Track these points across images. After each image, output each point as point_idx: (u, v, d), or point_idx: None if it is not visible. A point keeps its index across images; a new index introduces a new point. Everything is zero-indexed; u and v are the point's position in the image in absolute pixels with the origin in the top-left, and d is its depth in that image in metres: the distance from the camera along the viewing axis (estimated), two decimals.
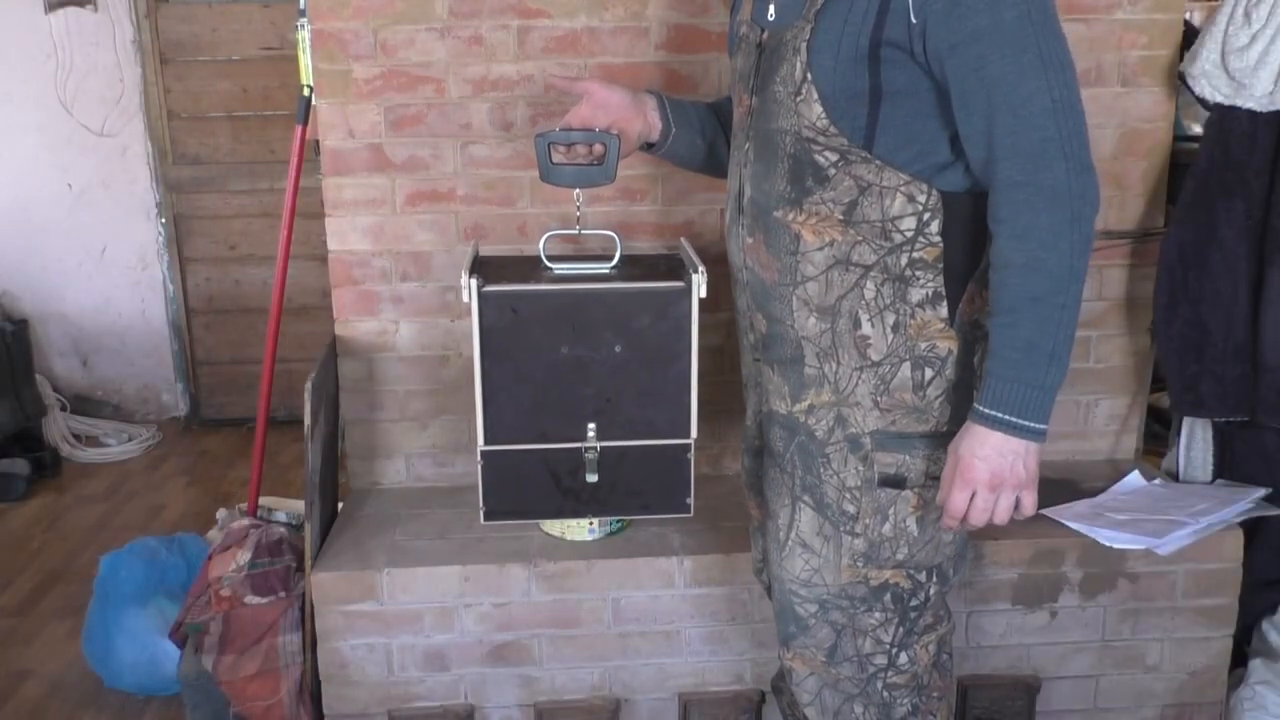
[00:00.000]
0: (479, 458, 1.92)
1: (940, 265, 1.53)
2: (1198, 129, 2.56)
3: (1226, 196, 2.28)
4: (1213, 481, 2.45)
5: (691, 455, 1.94)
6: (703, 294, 1.83)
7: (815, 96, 1.49)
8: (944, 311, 1.54)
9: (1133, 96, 2.42)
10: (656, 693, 2.28)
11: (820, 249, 1.55)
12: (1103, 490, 2.43)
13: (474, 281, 1.79)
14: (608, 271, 1.86)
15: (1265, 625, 2.37)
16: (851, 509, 1.62)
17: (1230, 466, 2.43)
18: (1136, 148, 2.45)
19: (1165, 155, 2.46)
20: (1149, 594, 2.28)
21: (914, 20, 1.42)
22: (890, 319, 1.55)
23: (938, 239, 1.52)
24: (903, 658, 1.69)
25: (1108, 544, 2.22)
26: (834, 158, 1.51)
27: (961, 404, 1.57)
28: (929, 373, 1.56)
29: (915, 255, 1.53)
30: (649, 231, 2.43)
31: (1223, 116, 2.28)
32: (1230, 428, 2.39)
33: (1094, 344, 2.55)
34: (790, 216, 1.56)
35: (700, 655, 2.26)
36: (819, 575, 1.67)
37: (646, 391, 1.86)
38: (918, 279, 1.54)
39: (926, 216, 1.51)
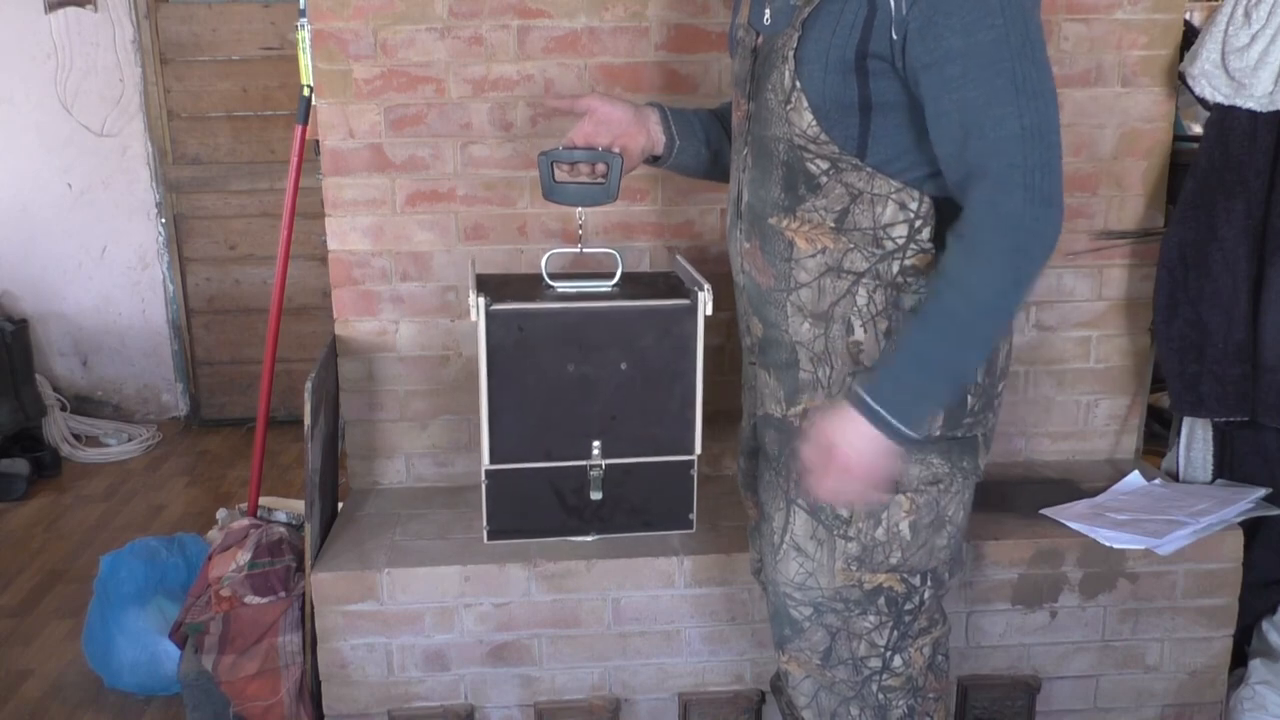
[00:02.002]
0: (484, 477, 1.91)
1: (932, 272, 1.52)
2: (1198, 129, 2.56)
3: (1226, 196, 2.28)
4: (1213, 481, 2.45)
5: (695, 472, 1.94)
6: (708, 311, 1.83)
7: (805, 105, 1.49)
8: None
9: (1133, 96, 2.42)
10: (656, 693, 2.28)
11: (813, 256, 1.55)
12: (1103, 490, 2.43)
13: (482, 300, 1.78)
14: (610, 289, 1.86)
15: (1265, 625, 2.37)
16: (845, 513, 1.61)
17: (1230, 466, 2.44)
18: (1136, 148, 2.45)
19: (1165, 155, 2.46)
20: (1149, 594, 2.28)
21: (894, 36, 1.40)
22: (884, 325, 1.55)
23: (930, 246, 1.52)
24: (897, 660, 1.69)
25: (1108, 544, 2.22)
26: (825, 165, 1.51)
27: (954, 408, 1.57)
28: None
29: (907, 262, 1.53)
30: (649, 232, 2.43)
31: (1223, 116, 2.28)
32: (1230, 428, 2.39)
33: (1094, 344, 2.55)
34: (784, 223, 1.56)
35: (700, 655, 2.26)
36: (813, 578, 1.67)
37: (651, 408, 1.86)
38: (910, 285, 1.54)
39: (919, 224, 1.51)
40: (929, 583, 1.67)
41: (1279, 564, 2.39)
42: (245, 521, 2.54)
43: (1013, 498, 2.41)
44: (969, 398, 1.58)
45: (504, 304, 1.79)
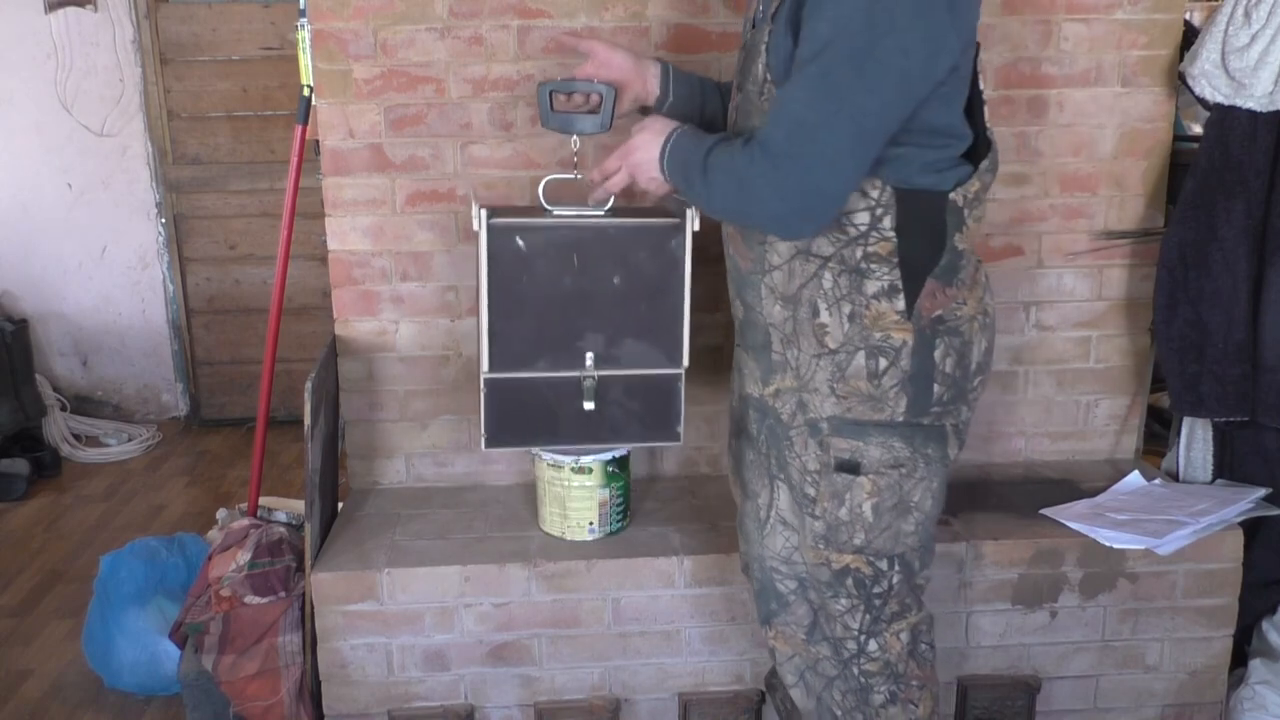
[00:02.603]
0: (482, 385, 1.98)
1: (895, 259, 1.58)
2: (1198, 129, 2.56)
3: (1226, 196, 2.28)
4: (1213, 481, 2.45)
5: (682, 384, 2.03)
6: (695, 228, 1.93)
7: (775, 95, 1.57)
8: (900, 304, 1.59)
9: (1133, 96, 2.42)
10: (656, 693, 2.28)
11: (785, 240, 1.64)
12: (1103, 490, 2.43)
13: (483, 212, 1.88)
14: (604, 214, 1.95)
15: (1265, 625, 2.37)
16: (811, 492, 1.69)
17: (1230, 466, 2.44)
18: (1136, 148, 2.45)
19: (1165, 155, 2.46)
20: (1149, 594, 2.28)
21: (802, 15, 1.49)
22: (847, 309, 1.61)
23: (891, 234, 1.58)
24: (872, 645, 1.74)
25: (1108, 544, 2.22)
26: None
27: (918, 395, 1.61)
28: (883, 362, 1.61)
29: (870, 249, 1.59)
30: None
31: (1223, 116, 2.28)
32: (1230, 428, 2.39)
33: (1094, 344, 2.55)
34: None
35: (700, 655, 2.26)
36: (798, 553, 1.75)
37: (642, 322, 1.96)
38: (873, 271, 1.59)
39: (879, 212, 1.57)
40: (896, 568, 1.71)
41: (1279, 564, 2.39)
42: (245, 521, 2.54)
43: (1013, 498, 2.41)
44: (936, 386, 1.63)
45: (504, 218, 1.89)
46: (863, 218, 1.57)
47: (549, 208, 1.94)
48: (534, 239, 1.91)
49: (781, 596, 1.79)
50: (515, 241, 1.90)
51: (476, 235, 1.89)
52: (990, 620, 2.28)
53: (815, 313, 1.63)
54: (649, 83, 1.87)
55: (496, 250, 1.90)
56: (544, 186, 1.95)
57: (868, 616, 1.73)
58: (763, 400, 1.75)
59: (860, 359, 1.61)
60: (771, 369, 1.72)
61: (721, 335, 2.42)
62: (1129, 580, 2.27)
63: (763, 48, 1.58)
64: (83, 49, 4.32)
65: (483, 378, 1.99)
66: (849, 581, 1.71)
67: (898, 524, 1.67)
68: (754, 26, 1.67)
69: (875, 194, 1.56)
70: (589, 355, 1.97)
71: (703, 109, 1.90)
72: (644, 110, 1.90)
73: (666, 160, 1.68)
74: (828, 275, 1.61)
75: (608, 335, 1.97)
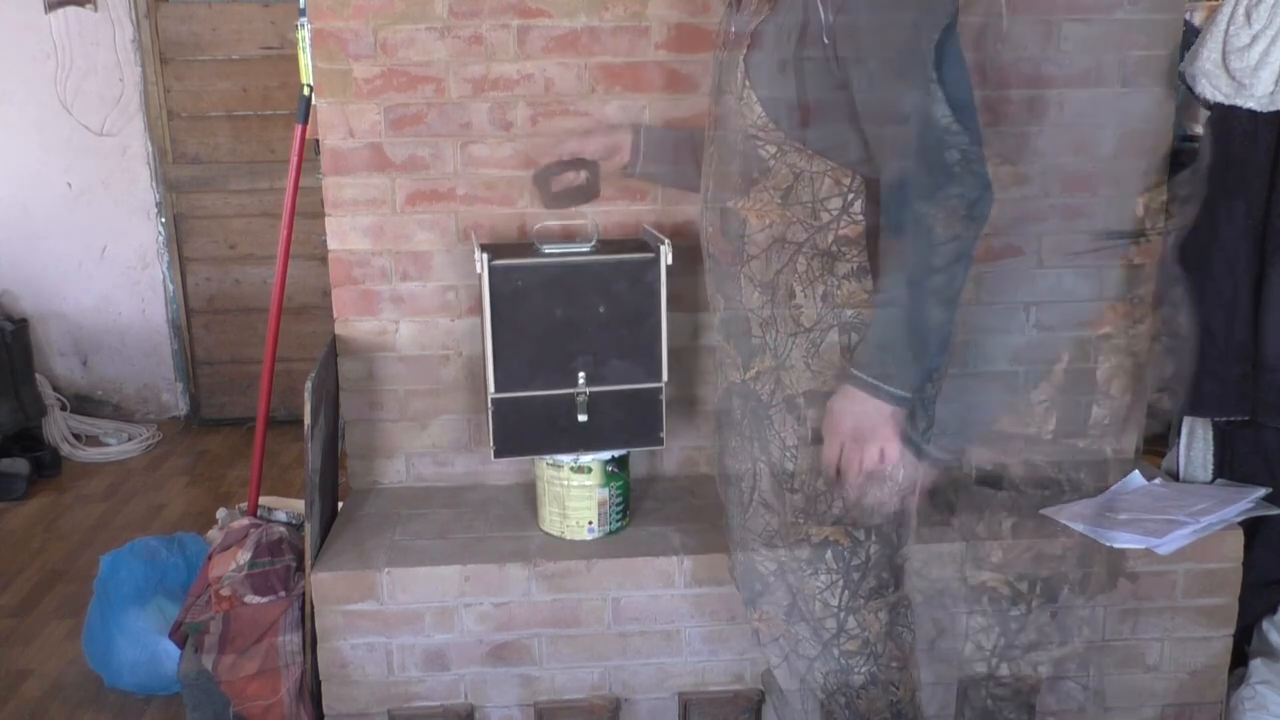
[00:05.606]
0: (490, 405, 2.18)
1: (863, 242, 1.69)
2: (1198, 129, 2.56)
3: (1226, 196, 2.28)
4: (1213, 481, 2.45)
5: (663, 396, 2.22)
6: (669, 261, 2.13)
7: (754, 100, 1.69)
8: (868, 284, 1.70)
9: (1133, 96, 2.42)
10: (656, 693, 2.28)
11: (762, 230, 1.74)
12: (1103, 490, 2.42)
13: (485, 256, 2.09)
14: (589, 250, 2.17)
15: (1265, 625, 2.37)
16: (790, 466, 1.78)
17: (1230, 466, 2.43)
18: (1136, 148, 2.45)
19: (1165, 155, 2.46)
20: (1149, 594, 2.28)
21: (826, 41, 1.60)
22: (820, 290, 1.72)
23: (860, 217, 1.68)
24: (851, 622, 1.81)
25: (1108, 544, 2.22)
26: (773, 150, 1.70)
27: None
28: (855, 337, 1.71)
29: (841, 232, 1.69)
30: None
31: (1223, 116, 2.28)
32: (1230, 428, 2.39)
33: (1094, 344, 2.55)
34: (740, 204, 1.76)
35: (700, 655, 2.26)
36: (779, 536, 1.83)
37: (625, 344, 2.18)
38: (844, 254, 1.70)
39: (850, 197, 1.68)
40: (874, 539, 1.77)
41: (1279, 564, 2.39)
42: (245, 521, 2.54)
43: (1013, 498, 2.41)
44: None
45: (502, 260, 2.11)
46: (835, 203, 1.68)
47: (540, 246, 2.16)
48: (529, 277, 2.12)
49: (763, 577, 1.87)
50: (513, 280, 2.12)
51: (479, 276, 2.10)
52: (990, 620, 2.28)
53: (791, 295, 1.73)
54: (623, 150, 2.12)
55: (497, 288, 2.11)
56: (536, 230, 2.24)
57: (846, 592, 1.80)
58: (745, 385, 1.83)
59: (834, 335, 1.72)
60: (751, 353, 1.80)
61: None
62: (1129, 580, 2.27)
63: (741, 60, 1.69)
64: (83, 48, 4.32)
65: (490, 398, 2.16)
66: (828, 555, 1.78)
67: (873, 493, 1.74)
68: (734, 37, 1.76)
69: (847, 181, 1.67)
70: (581, 374, 2.18)
71: (675, 152, 2.11)
72: (626, 171, 2.16)
73: (873, 374, 1.61)
74: (801, 260, 1.72)
75: (596, 357, 2.18)
